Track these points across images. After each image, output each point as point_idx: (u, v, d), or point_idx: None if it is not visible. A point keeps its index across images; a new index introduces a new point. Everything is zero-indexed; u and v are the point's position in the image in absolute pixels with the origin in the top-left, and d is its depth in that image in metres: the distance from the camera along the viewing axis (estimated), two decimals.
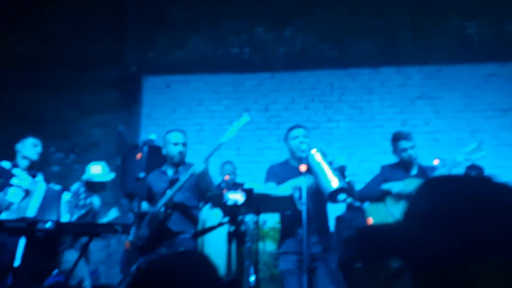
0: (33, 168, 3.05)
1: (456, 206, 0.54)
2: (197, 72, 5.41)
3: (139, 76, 5.50)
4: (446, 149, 4.57)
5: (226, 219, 1.89)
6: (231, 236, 1.81)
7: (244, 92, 5.34)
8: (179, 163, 2.85)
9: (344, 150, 4.98)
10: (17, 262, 2.64)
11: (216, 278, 0.82)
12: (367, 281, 1.09)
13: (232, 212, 1.81)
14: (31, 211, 2.79)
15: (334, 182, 2.35)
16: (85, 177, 3.61)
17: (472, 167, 3.78)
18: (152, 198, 2.79)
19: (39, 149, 3.10)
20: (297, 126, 2.77)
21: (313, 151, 2.47)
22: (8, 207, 2.76)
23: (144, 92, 5.49)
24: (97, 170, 3.63)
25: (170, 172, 2.85)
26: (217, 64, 5.40)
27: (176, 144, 2.83)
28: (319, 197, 2.53)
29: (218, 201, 1.92)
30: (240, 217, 1.85)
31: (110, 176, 3.67)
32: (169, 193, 2.68)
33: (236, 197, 1.80)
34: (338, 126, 5.11)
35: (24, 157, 3.02)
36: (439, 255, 0.52)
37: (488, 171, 4.50)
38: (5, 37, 5.66)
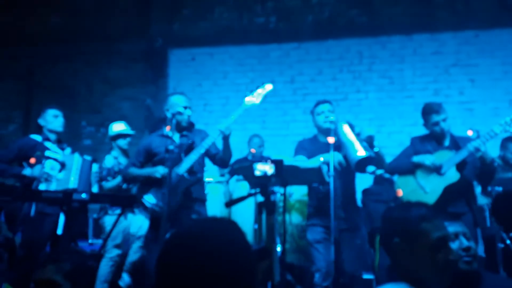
0: (61, 142, 3.11)
1: None
2: (222, 44, 5.35)
3: (165, 49, 5.50)
4: (481, 120, 4.38)
5: (255, 190, 1.91)
6: (260, 206, 1.82)
7: (269, 64, 5.26)
8: (186, 127, 2.80)
9: (373, 122, 4.86)
10: (59, 231, 2.79)
11: (246, 243, 0.82)
12: (407, 255, 1.08)
13: (262, 183, 1.81)
14: (72, 183, 2.89)
15: (361, 152, 2.36)
16: (111, 133, 3.66)
17: (510, 138, 3.60)
18: (154, 162, 2.75)
19: (61, 119, 3.08)
20: (322, 102, 2.73)
21: (341, 123, 2.44)
22: (47, 179, 2.87)
23: (170, 66, 5.50)
24: (120, 127, 3.69)
25: (176, 136, 2.78)
26: (242, 34, 5.31)
27: (186, 107, 2.78)
28: (348, 173, 2.52)
29: (247, 173, 1.93)
30: (270, 188, 1.85)
31: (133, 132, 3.72)
32: (193, 157, 2.66)
33: (265, 168, 1.80)
34: (367, 97, 4.97)
35: (50, 131, 3.03)
36: None
37: None
38: (36, 11, 5.75)
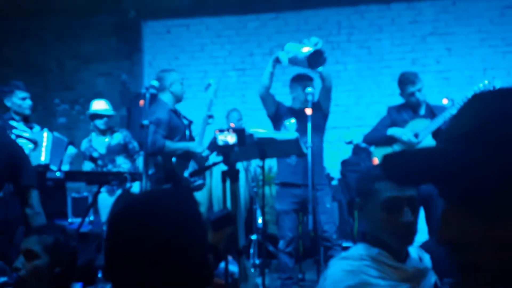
0: (28, 121, 3.00)
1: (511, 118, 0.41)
2: (198, 15, 5.19)
3: (138, 22, 5.30)
4: (457, 88, 4.43)
5: (219, 158, 1.93)
6: (224, 175, 1.84)
7: (247, 35, 5.15)
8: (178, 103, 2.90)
9: (352, 93, 4.87)
10: None
11: (196, 214, 0.81)
12: (364, 214, 1.10)
13: (224, 152, 1.82)
14: (44, 159, 2.83)
15: (305, 48, 2.49)
16: (88, 112, 3.59)
17: None
18: (172, 137, 2.76)
19: (28, 101, 2.95)
20: (300, 78, 2.76)
21: (285, 46, 2.60)
22: None
23: (144, 39, 5.32)
24: (98, 106, 3.59)
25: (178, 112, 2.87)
26: (218, 5, 5.15)
27: (182, 83, 2.85)
28: (316, 134, 2.60)
29: (212, 143, 1.94)
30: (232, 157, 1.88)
31: (112, 112, 3.63)
32: (202, 133, 2.78)
33: (227, 137, 1.80)
34: (346, 68, 4.95)
35: (16, 113, 2.91)
36: (491, 180, 0.40)
37: None
38: None
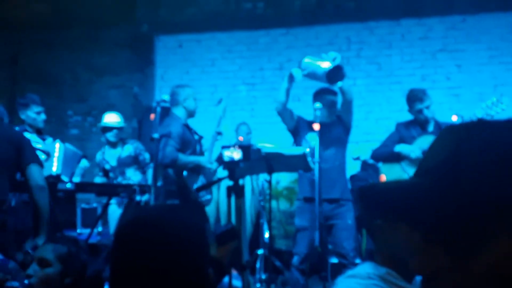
0: (41, 133, 3.07)
1: (479, 153, 0.40)
2: (209, 30, 5.28)
3: (151, 36, 5.41)
4: (467, 105, 4.41)
5: (225, 174, 1.96)
6: (229, 190, 1.86)
7: (258, 51, 5.21)
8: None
9: (361, 108, 4.86)
10: None
11: (201, 229, 0.82)
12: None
13: (230, 168, 1.85)
14: (56, 169, 2.87)
15: (325, 64, 2.51)
16: (99, 124, 3.65)
17: None
18: (184, 150, 2.80)
19: (43, 116, 3.02)
20: (322, 92, 2.79)
21: (303, 60, 2.64)
22: None
23: (156, 53, 5.42)
24: (110, 119, 3.65)
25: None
26: (229, 20, 5.24)
27: (195, 99, 2.94)
28: (339, 151, 2.59)
29: (220, 159, 1.97)
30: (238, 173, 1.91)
31: (121, 124, 3.68)
32: (211, 149, 2.83)
33: (232, 153, 1.83)
34: (355, 83, 4.96)
35: (30, 125, 2.98)
36: (452, 218, 0.40)
37: None
38: None
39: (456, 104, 4.55)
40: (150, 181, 3.38)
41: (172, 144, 2.73)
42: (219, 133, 2.93)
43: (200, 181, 2.77)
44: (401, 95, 4.51)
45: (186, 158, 2.75)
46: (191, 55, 5.34)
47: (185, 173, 2.77)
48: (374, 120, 4.81)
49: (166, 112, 2.85)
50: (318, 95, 2.80)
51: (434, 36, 4.81)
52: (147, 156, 3.54)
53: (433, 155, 0.45)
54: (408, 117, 2.91)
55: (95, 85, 5.47)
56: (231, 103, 5.21)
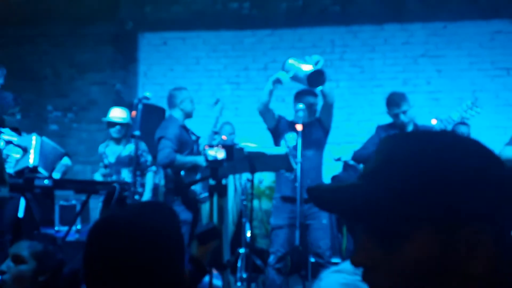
0: (16, 130, 2.99)
1: (405, 159, 0.46)
2: (195, 28, 5.26)
3: (135, 33, 5.35)
4: (447, 109, 4.50)
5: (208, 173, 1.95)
6: (212, 189, 1.87)
7: (243, 50, 5.22)
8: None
9: (343, 110, 4.92)
10: (20, 214, 2.72)
11: (176, 227, 0.82)
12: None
13: (213, 167, 1.85)
14: (32, 161, 2.81)
15: (307, 67, 2.53)
16: (105, 119, 3.55)
17: (459, 124, 3.79)
18: (181, 151, 2.83)
19: (18, 116, 2.97)
20: (303, 93, 2.82)
21: (286, 61, 2.66)
22: (5, 161, 2.77)
23: (140, 50, 5.37)
24: (114, 113, 3.50)
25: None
26: (215, 20, 5.23)
27: (192, 101, 2.99)
28: (316, 150, 2.62)
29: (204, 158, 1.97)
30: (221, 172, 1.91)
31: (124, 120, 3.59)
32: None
33: (215, 153, 1.83)
34: (338, 85, 5.02)
35: (4, 125, 2.91)
36: (382, 214, 0.46)
37: (489, 132, 4.47)
38: None
39: (435, 108, 4.65)
40: (148, 184, 3.33)
41: (170, 146, 2.77)
42: (216, 133, 2.98)
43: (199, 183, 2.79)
44: (383, 98, 4.56)
45: (183, 158, 2.79)
46: (176, 53, 5.30)
47: (182, 172, 2.81)
48: (356, 122, 4.87)
49: (148, 110, 2.83)
50: (299, 96, 2.83)
51: (416, 42, 4.91)
52: (149, 158, 3.45)
53: (372, 161, 0.51)
54: (390, 119, 2.97)
55: (77, 82, 5.38)
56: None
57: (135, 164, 2.41)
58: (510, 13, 4.71)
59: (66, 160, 3.16)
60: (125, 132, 3.48)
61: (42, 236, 1.52)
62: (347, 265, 1.10)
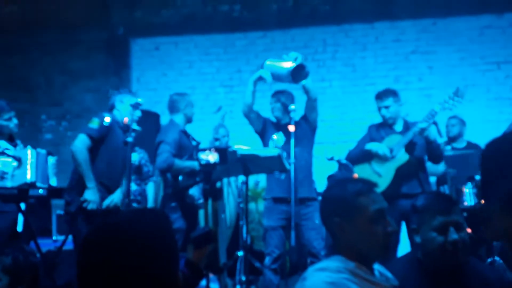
0: (12, 139, 2.97)
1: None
2: (186, 33, 5.26)
3: (127, 38, 5.35)
4: (447, 110, 4.54)
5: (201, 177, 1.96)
6: (206, 193, 1.87)
7: (235, 53, 5.23)
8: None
9: (337, 109, 4.95)
10: (19, 228, 2.71)
11: (169, 233, 0.83)
12: (348, 232, 1.12)
13: (206, 171, 1.86)
14: (30, 176, 2.79)
15: (288, 64, 2.55)
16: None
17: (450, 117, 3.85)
18: (181, 156, 2.84)
19: (15, 120, 2.93)
20: (278, 94, 2.83)
21: (264, 62, 2.67)
22: (2, 177, 2.76)
23: (132, 56, 5.37)
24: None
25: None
26: (206, 23, 5.24)
27: (193, 105, 3.04)
28: (305, 148, 2.63)
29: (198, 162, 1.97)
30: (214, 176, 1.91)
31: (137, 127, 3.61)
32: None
33: (208, 156, 1.84)
34: (331, 85, 5.05)
35: (1, 133, 2.89)
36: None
37: (480, 125, 4.50)
38: None
39: (428, 105, 4.65)
40: (149, 195, 3.32)
41: (168, 150, 2.77)
42: (217, 139, 2.99)
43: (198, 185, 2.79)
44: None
45: (182, 163, 2.80)
46: (168, 58, 5.31)
47: (180, 177, 2.81)
48: (349, 121, 4.89)
49: (141, 115, 2.83)
50: (275, 96, 2.86)
51: (407, 39, 4.94)
52: (151, 168, 3.44)
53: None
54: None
55: (70, 89, 5.37)
56: (209, 105, 5.22)
57: (128, 170, 2.40)
58: (498, 8, 4.75)
59: (51, 160, 3.13)
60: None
61: (7, 247, 1.48)
62: (331, 263, 1.12)
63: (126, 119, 2.60)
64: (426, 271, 1.34)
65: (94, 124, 2.55)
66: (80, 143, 2.51)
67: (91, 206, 2.40)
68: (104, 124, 2.55)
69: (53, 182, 3.11)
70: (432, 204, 1.37)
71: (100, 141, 2.54)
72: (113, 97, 2.75)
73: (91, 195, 2.43)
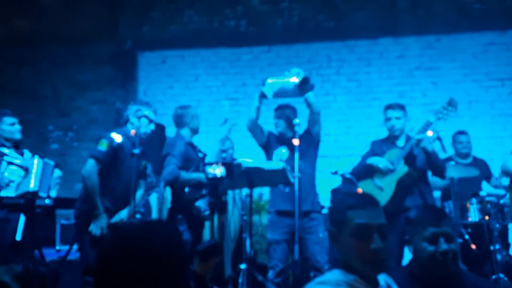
0: (18, 147, 3.01)
1: None
2: (193, 47, 5.35)
3: (134, 52, 5.45)
4: (443, 121, 4.56)
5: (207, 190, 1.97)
6: (212, 206, 1.88)
7: (241, 67, 5.30)
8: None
9: (341, 123, 4.98)
10: (18, 236, 2.72)
11: (180, 244, 0.85)
12: (338, 243, 1.13)
13: (212, 184, 1.87)
14: (33, 185, 2.82)
15: (293, 79, 2.61)
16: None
17: (457, 132, 3.86)
18: (187, 168, 2.85)
19: (17, 126, 2.97)
20: (282, 108, 2.89)
21: (266, 81, 2.71)
22: (8, 184, 2.79)
23: (139, 69, 5.45)
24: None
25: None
26: (212, 37, 5.33)
27: (198, 117, 3.07)
28: (309, 160, 2.65)
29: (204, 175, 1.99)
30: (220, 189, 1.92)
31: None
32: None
33: (215, 170, 1.86)
34: (336, 99, 5.09)
35: (7, 139, 2.92)
36: None
37: (484, 142, 4.50)
38: (0, 13, 5.58)
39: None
40: (153, 206, 3.33)
41: (174, 162, 2.79)
42: (223, 151, 3.01)
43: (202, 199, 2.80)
44: (380, 111, 4.60)
45: (188, 175, 2.81)
46: (175, 71, 5.39)
47: (186, 189, 2.83)
48: (354, 135, 4.91)
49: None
50: (278, 110, 2.88)
51: (411, 55, 4.99)
52: (154, 179, 3.46)
53: None
54: (387, 132, 3.01)
55: (77, 101, 5.45)
56: (214, 117, 5.27)
57: (135, 181, 2.42)
58: (501, 25, 4.80)
59: (57, 173, 3.15)
60: None
61: (17, 256, 1.50)
62: (330, 276, 1.13)
63: (133, 131, 2.63)
64: (419, 282, 1.35)
65: (102, 146, 2.54)
66: (90, 168, 2.51)
67: (95, 232, 2.42)
68: (114, 145, 2.56)
69: (53, 194, 3.14)
70: (424, 216, 1.39)
71: (110, 160, 2.56)
72: (128, 110, 2.75)
73: (96, 223, 2.45)
